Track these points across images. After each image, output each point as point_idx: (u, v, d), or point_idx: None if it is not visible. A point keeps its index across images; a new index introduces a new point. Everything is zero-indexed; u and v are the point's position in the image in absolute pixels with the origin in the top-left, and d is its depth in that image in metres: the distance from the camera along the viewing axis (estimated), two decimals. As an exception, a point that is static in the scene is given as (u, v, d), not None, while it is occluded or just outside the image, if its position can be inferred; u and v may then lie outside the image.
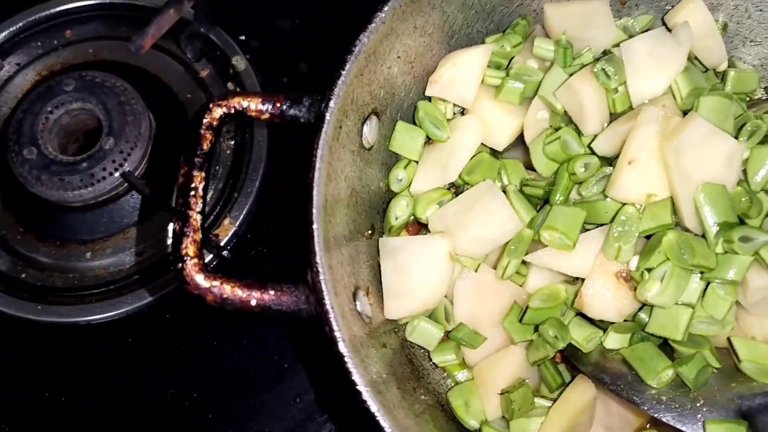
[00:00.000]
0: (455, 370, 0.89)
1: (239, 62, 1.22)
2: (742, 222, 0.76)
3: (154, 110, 1.18)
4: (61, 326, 1.08)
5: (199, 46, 1.23)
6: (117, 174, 1.11)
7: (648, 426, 0.86)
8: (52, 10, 1.27)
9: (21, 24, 1.26)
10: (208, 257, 1.10)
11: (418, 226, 0.93)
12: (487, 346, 0.86)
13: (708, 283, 0.76)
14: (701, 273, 0.75)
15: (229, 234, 1.12)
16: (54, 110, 1.14)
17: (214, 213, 1.14)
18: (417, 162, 0.91)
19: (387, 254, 0.85)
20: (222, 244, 1.11)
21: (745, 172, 0.78)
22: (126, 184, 1.12)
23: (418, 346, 0.89)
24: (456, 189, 0.92)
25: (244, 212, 1.14)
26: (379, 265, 0.86)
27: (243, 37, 1.25)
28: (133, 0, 1.27)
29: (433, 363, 0.89)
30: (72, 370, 1.07)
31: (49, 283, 1.13)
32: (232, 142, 1.19)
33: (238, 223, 1.13)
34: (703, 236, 0.76)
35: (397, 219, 0.89)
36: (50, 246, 1.14)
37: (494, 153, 0.92)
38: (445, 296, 0.87)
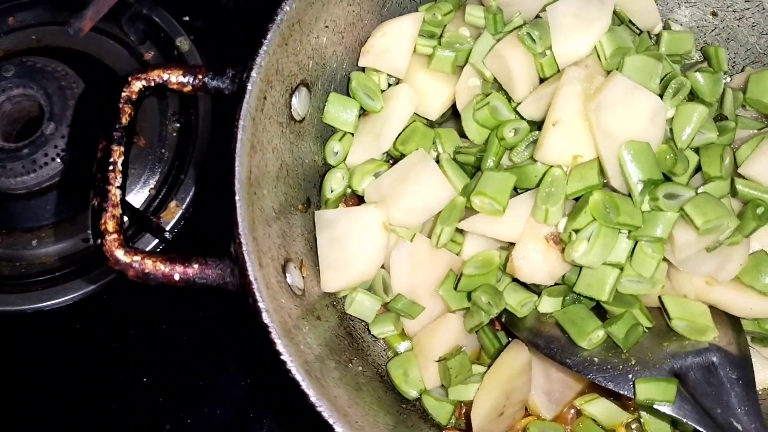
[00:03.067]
0: (395, 342, 0.89)
1: (183, 43, 1.21)
2: (668, 180, 0.76)
3: (98, 94, 1.16)
4: (8, 315, 1.07)
5: (142, 27, 1.22)
6: (58, 160, 1.09)
7: (588, 390, 0.86)
8: (-7, -2, 1.26)
9: (-37, 12, 1.25)
10: (154, 242, 1.09)
11: (358, 200, 0.92)
12: (426, 316, 0.86)
13: (636, 242, 0.75)
14: (628, 232, 0.74)
15: (176, 217, 1.11)
16: (-5, 97, 1.12)
17: (160, 196, 1.13)
18: (352, 134, 0.90)
19: (322, 227, 0.85)
20: (169, 227, 1.10)
21: (670, 130, 0.77)
22: (69, 169, 1.10)
23: (358, 319, 0.88)
24: (394, 161, 0.92)
25: (191, 194, 1.13)
26: (316, 239, 0.85)
27: (186, 18, 1.24)
28: (74, -16, 1.26)
29: (374, 335, 0.89)
30: (20, 358, 1.06)
31: (-5, 271, 1.11)
32: (177, 125, 1.18)
33: (184, 206, 1.12)
34: (630, 195, 0.75)
35: (332, 192, 0.88)
36: (-5, 235, 1.13)
37: (431, 123, 0.92)
38: (383, 268, 0.87)
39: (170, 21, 1.23)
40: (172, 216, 1.11)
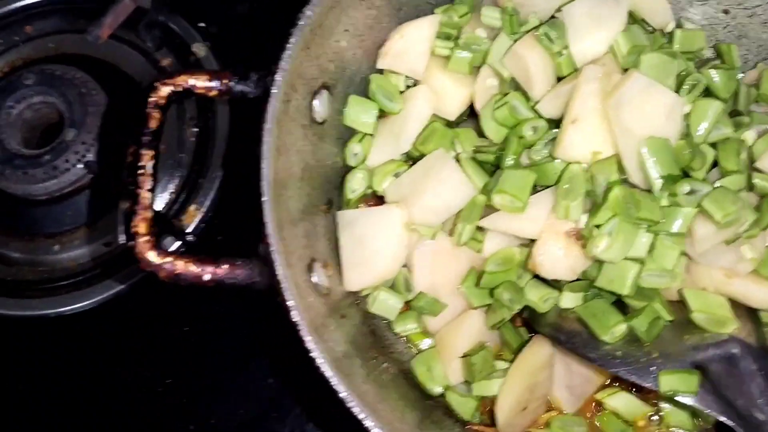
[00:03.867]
0: (418, 339, 0.90)
1: (200, 49, 1.23)
2: (686, 175, 0.77)
3: (116, 101, 1.18)
4: (32, 319, 1.09)
5: (158, 34, 1.23)
6: (80, 165, 1.11)
7: (609, 384, 0.88)
8: (12, 6, 1.28)
9: (-20, 22, 1.27)
10: (176, 244, 1.11)
11: (378, 200, 0.94)
12: (448, 313, 0.87)
13: (656, 237, 0.76)
14: (648, 226, 0.76)
15: (196, 220, 1.13)
16: (15, 105, 1.14)
17: (180, 200, 1.15)
18: (372, 135, 0.92)
19: (344, 226, 0.86)
20: (189, 230, 1.12)
21: (687, 126, 0.79)
22: (90, 175, 1.12)
23: (381, 317, 0.90)
24: (413, 162, 0.93)
25: (210, 198, 1.14)
26: (338, 239, 0.87)
27: (203, 24, 1.26)
28: (90, -8, 1.28)
29: (396, 333, 0.90)
30: (44, 362, 1.08)
31: (19, 277, 1.13)
32: (196, 129, 1.19)
33: (204, 209, 1.13)
34: (649, 190, 0.76)
35: (353, 192, 0.90)
36: (19, 241, 1.15)
37: (449, 123, 0.93)
38: (404, 266, 0.88)
39: (186, 27, 1.24)
40: (192, 219, 1.13)
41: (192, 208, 1.14)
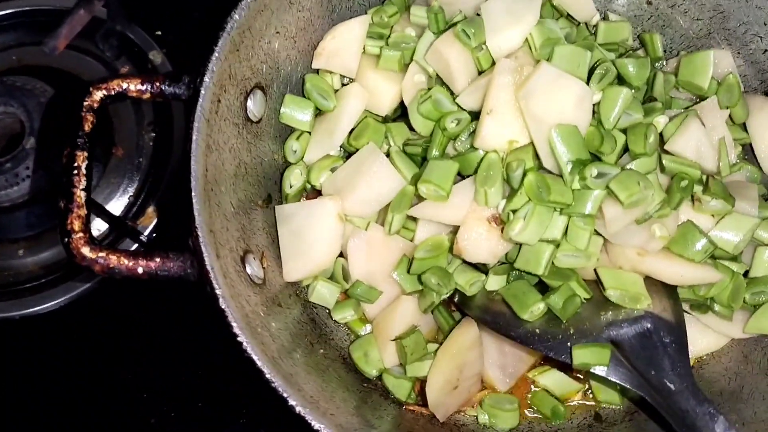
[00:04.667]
0: (357, 326, 0.94)
1: (156, 57, 1.27)
2: (599, 159, 0.81)
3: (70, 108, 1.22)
4: (-2, 321, 1.13)
5: (116, 43, 1.27)
6: (41, 171, 1.15)
7: (541, 363, 0.91)
8: (-26, 21, 1.32)
9: (-56, 37, 1.31)
10: (133, 246, 1.15)
11: (317, 195, 0.97)
12: (384, 299, 0.91)
13: (570, 219, 0.80)
14: (561, 209, 0.79)
15: (153, 222, 1.17)
16: (-22, 116, 1.18)
17: (138, 203, 1.19)
18: (309, 132, 0.96)
19: (282, 220, 0.90)
20: (147, 231, 1.16)
21: (598, 113, 0.82)
22: (51, 180, 1.16)
23: (321, 306, 0.94)
24: (348, 155, 0.97)
25: (167, 201, 1.18)
26: (277, 232, 0.91)
27: (159, 33, 1.30)
28: (51, 5, 1.32)
29: (336, 321, 0.94)
30: (6, 363, 1.11)
31: (-16, 281, 1.17)
32: (153, 134, 1.23)
33: (161, 212, 1.17)
34: (561, 175, 0.80)
35: (292, 187, 0.94)
36: (-17, 246, 1.19)
37: (385, 118, 0.97)
38: (342, 256, 0.92)
39: (143, 36, 1.28)
40: (150, 221, 1.17)
41: (150, 210, 1.18)
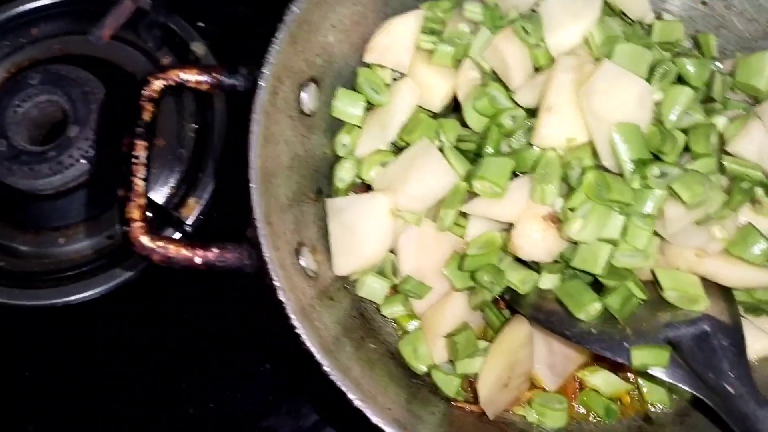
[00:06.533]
0: (405, 321, 0.93)
1: (198, 48, 1.27)
2: (658, 159, 0.80)
3: (118, 99, 1.22)
4: (39, 308, 1.13)
5: (158, 34, 1.28)
6: (83, 161, 1.15)
7: (590, 363, 0.91)
8: (17, 10, 1.32)
9: (-12, 26, 1.31)
10: (176, 236, 1.15)
11: (366, 189, 0.97)
12: (433, 295, 0.90)
13: (628, 218, 0.79)
14: (620, 209, 0.79)
15: (195, 212, 1.17)
16: (21, 104, 1.19)
17: (180, 193, 1.19)
18: (360, 127, 0.95)
19: (333, 214, 0.90)
20: (188, 221, 1.16)
21: (659, 112, 0.82)
22: (93, 170, 1.16)
23: (369, 300, 0.93)
24: (399, 151, 0.97)
25: (208, 191, 1.18)
26: (327, 226, 0.90)
27: (201, 24, 1.30)
28: (93, -5, 1.32)
29: (384, 316, 0.94)
30: (50, 349, 1.12)
31: (26, 269, 1.17)
32: (194, 125, 1.24)
33: (202, 202, 1.17)
34: (621, 174, 0.80)
35: (342, 181, 0.94)
36: (26, 234, 1.19)
37: (434, 114, 0.97)
38: (391, 251, 0.92)
39: (186, 27, 1.28)
40: (191, 212, 1.17)
41: (191, 201, 1.18)
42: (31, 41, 1.32)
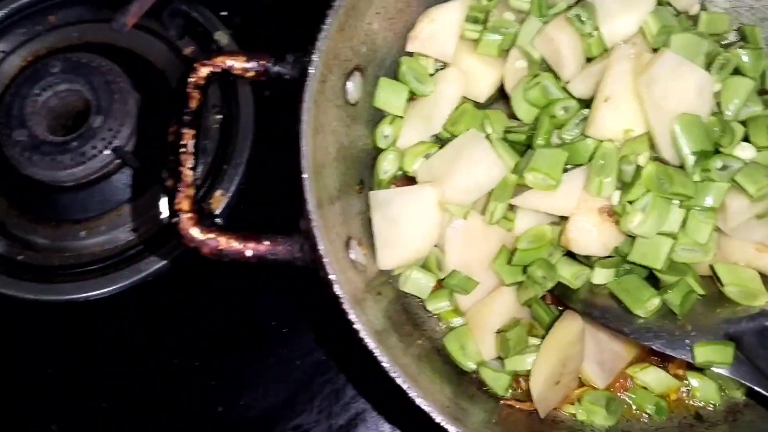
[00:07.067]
0: (449, 317, 0.91)
1: (222, 37, 1.24)
2: (716, 152, 0.78)
3: (140, 88, 1.19)
4: (60, 304, 1.10)
5: (181, 23, 1.24)
6: (107, 151, 1.12)
7: (639, 359, 0.89)
8: (34, -4, 1.29)
9: (4, 12, 1.27)
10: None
11: (407, 182, 0.95)
12: (480, 290, 0.88)
13: (688, 212, 0.78)
14: (681, 202, 0.77)
15: (222, 205, 1.14)
16: (42, 92, 1.15)
17: (206, 185, 1.16)
18: (402, 117, 0.93)
19: (377, 206, 0.88)
20: (216, 214, 1.13)
21: (718, 103, 0.80)
22: (117, 161, 1.13)
23: (413, 295, 0.91)
24: (442, 143, 0.94)
25: (235, 183, 1.15)
26: (370, 218, 0.88)
27: (225, 13, 1.27)
28: (114, -18, 1.28)
29: (428, 311, 0.92)
30: (72, 346, 1.09)
31: (46, 263, 1.14)
32: (219, 116, 1.20)
33: (230, 194, 1.14)
34: (681, 167, 0.78)
35: (385, 173, 0.91)
36: (46, 227, 1.16)
37: (479, 105, 0.94)
38: (435, 245, 0.89)
39: (209, 16, 1.25)
40: (218, 205, 1.14)
41: (218, 193, 1.15)
42: (48, 29, 1.28)
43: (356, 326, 0.71)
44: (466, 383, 0.87)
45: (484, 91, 0.92)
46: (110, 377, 1.07)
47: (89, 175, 1.13)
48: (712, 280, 0.82)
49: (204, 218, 1.08)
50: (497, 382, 0.86)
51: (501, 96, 0.94)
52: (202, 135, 1.18)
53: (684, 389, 0.89)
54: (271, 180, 1.15)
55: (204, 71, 0.78)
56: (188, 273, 1.09)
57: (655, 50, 0.82)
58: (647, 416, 0.88)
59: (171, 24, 1.25)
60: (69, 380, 1.07)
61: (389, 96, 0.92)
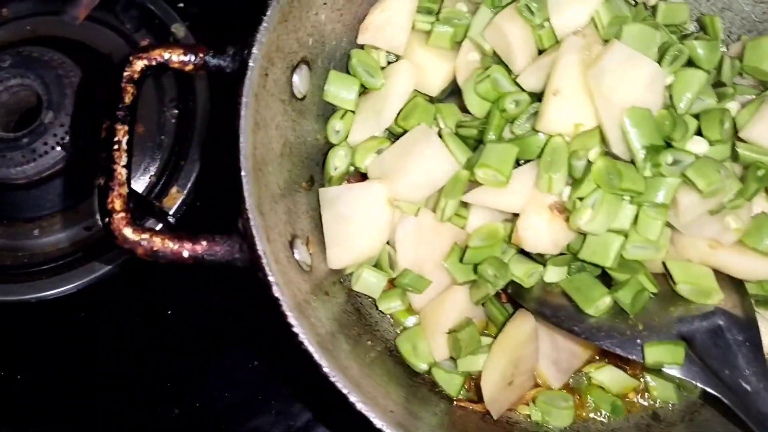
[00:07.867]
0: (403, 317, 0.89)
1: (179, 30, 1.21)
2: (668, 146, 0.76)
3: (96, 82, 1.16)
4: (11, 304, 1.07)
5: (136, 15, 1.22)
6: (58, 148, 1.09)
7: (595, 359, 0.87)
8: (-15, -11, 1.25)
9: (-45, 6, 1.24)
10: (158, 227, 1.09)
11: (361, 178, 0.93)
12: (432, 289, 0.86)
13: (639, 208, 0.76)
14: (631, 198, 0.75)
15: (178, 202, 1.11)
16: (-8, 88, 1.12)
17: (161, 182, 1.13)
18: (353, 112, 0.91)
19: (327, 204, 0.85)
20: (171, 212, 1.11)
21: (670, 96, 0.78)
22: (69, 157, 1.10)
23: (365, 295, 0.89)
24: (395, 138, 0.92)
25: (192, 180, 1.13)
26: (321, 216, 0.86)
27: (182, 5, 1.24)
28: (67, -26, 1.25)
29: (381, 311, 0.89)
30: (23, 348, 1.07)
31: (-1, 262, 1.11)
32: (176, 111, 1.18)
33: (185, 191, 1.12)
34: (632, 162, 0.76)
35: (336, 170, 0.89)
36: (-2, 226, 1.13)
37: (431, 99, 0.92)
38: (388, 243, 0.87)
39: (165, 8, 1.22)
40: (174, 202, 1.11)
41: (173, 190, 1.12)
42: (1, 23, 1.25)
43: (295, 329, 0.68)
44: (418, 385, 0.85)
45: (436, 84, 0.89)
46: (63, 379, 1.05)
47: (41, 172, 1.11)
48: (665, 278, 0.80)
49: (156, 217, 1.08)
50: (450, 383, 0.84)
51: (455, 89, 0.91)
52: (158, 130, 1.17)
53: (642, 389, 0.88)
54: (227, 176, 1.12)
55: (139, 65, 0.75)
56: (143, 272, 1.07)
57: (606, 41, 0.80)
58: (604, 416, 0.86)
59: (126, 16, 1.22)
60: (19, 382, 1.05)
61: (339, 90, 0.89)
